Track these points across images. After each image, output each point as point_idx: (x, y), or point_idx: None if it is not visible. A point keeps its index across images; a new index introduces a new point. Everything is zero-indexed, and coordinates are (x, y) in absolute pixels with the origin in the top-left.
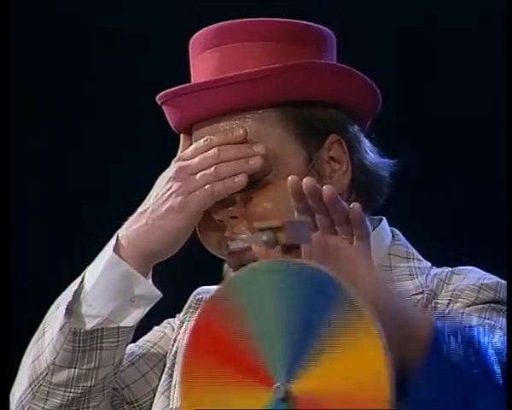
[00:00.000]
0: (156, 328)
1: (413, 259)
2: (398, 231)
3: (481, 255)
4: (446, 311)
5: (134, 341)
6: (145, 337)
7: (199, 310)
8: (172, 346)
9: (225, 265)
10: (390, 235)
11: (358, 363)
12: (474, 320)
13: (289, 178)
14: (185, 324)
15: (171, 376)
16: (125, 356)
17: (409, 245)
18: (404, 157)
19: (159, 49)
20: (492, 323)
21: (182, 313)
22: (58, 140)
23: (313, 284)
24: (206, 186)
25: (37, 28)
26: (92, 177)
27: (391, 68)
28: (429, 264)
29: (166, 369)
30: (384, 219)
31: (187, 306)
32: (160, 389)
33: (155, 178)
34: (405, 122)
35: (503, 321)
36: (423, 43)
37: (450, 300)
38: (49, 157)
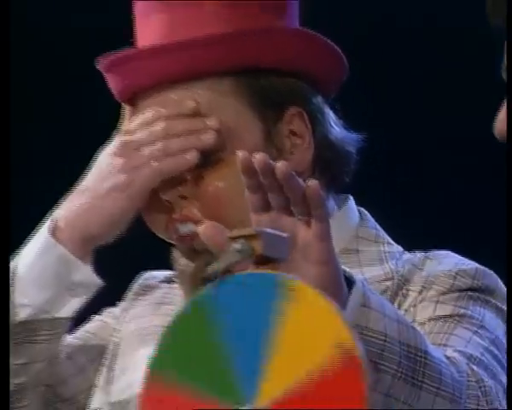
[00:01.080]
0: (96, 317)
1: (383, 243)
2: (366, 212)
3: (481, 255)
4: (419, 298)
5: (71, 332)
6: (84, 328)
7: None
8: (113, 336)
9: (174, 250)
10: (357, 216)
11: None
12: (449, 310)
13: (238, 153)
14: (128, 312)
15: (110, 369)
16: (64, 347)
17: (378, 227)
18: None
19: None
20: (469, 313)
21: (125, 301)
22: (58, 140)
23: (256, 288)
24: (153, 163)
25: (37, 28)
26: None
27: (390, 67)
28: (401, 248)
29: (106, 362)
30: (351, 197)
31: (131, 293)
32: (98, 383)
33: None
34: (404, 122)
35: (480, 311)
36: (423, 43)
37: (423, 286)
38: (49, 157)
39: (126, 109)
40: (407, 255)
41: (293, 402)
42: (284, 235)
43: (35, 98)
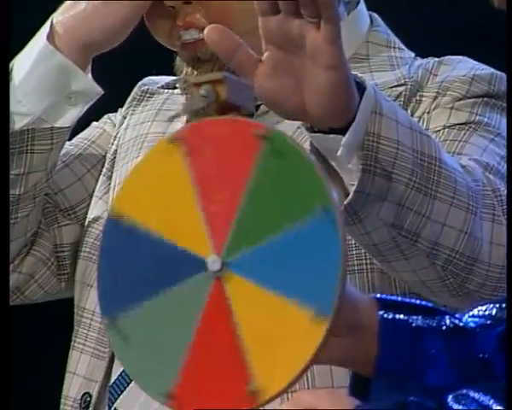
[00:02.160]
0: (95, 124)
1: (394, 47)
2: (377, 16)
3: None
4: (433, 105)
5: (69, 139)
6: (82, 135)
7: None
8: (112, 144)
9: (177, 58)
10: (368, 20)
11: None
12: (464, 117)
13: None
14: (127, 118)
15: (109, 178)
16: (61, 157)
17: (389, 32)
18: None
19: (159, 47)
20: (485, 120)
21: (124, 107)
22: None
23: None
24: None
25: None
26: None
27: None
28: (413, 54)
29: (104, 170)
30: (361, 1)
31: (130, 98)
32: (97, 193)
33: None
34: None
35: (496, 118)
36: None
37: (437, 92)
38: None
39: None
40: (419, 61)
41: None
42: (248, 83)
43: None
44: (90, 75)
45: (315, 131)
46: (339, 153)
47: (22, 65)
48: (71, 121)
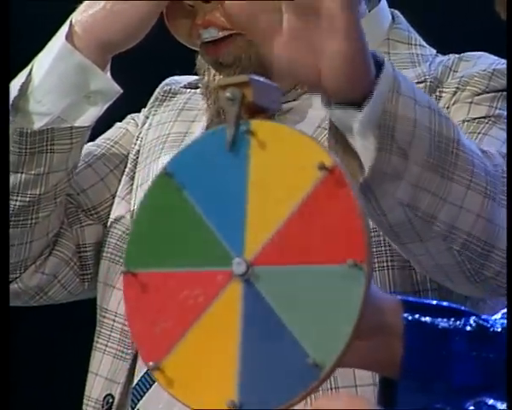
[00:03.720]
0: (118, 124)
1: (415, 45)
2: (399, 14)
3: None
4: (452, 100)
5: (92, 140)
6: (105, 135)
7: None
8: (135, 144)
9: (199, 58)
10: (389, 17)
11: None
12: (484, 111)
13: None
14: (150, 118)
15: (132, 178)
16: (84, 157)
17: (411, 29)
18: None
19: (159, 47)
20: (505, 113)
21: (147, 107)
22: None
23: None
24: None
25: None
26: None
27: None
28: (434, 51)
29: (127, 170)
30: (384, 1)
31: (153, 98)
32: (119, 193)
33: None
34: None
35: None
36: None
37: (457, 87)
38: None
39: None
40: (440, 58)
41: (282, 244)
42: (275, 84)
43: None
44: (109, 74)
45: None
46: (355, 130)
47: (41, 65)
48: (90, 121)
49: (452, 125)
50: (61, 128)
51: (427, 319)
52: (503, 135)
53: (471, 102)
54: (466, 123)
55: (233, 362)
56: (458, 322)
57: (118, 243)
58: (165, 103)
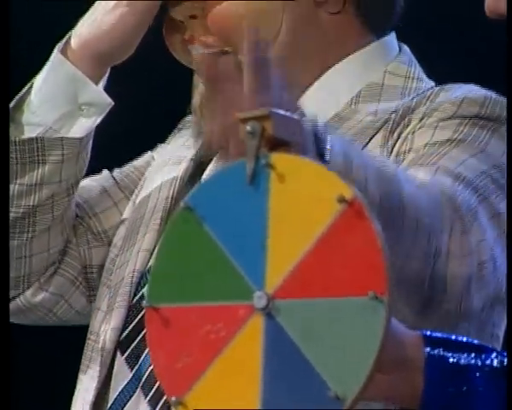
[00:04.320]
0: (149, 153)
1: (412, 78)
2: (406, 48)
3: None
4: (418, 126)
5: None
6: (133, 162)
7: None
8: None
9: (194, 77)
10: (395, 51)
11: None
12: (447, 135)
13: None
14: (166, 145)
15: (134, 203)
16: (102, 181)
17: (414, 63)
18: None
19: (158, 46)
20: (469, 138)
21: (170, 137)
22: None
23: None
24: None
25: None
26: None
27: None
28: (432, 84)
29: (134, 196)
30: (392, 33)
31: (176, 128)
32: (122, 217)
33: None
34: None
35: (484, 137)
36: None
37: (424, 113)
38: None
39: None
40: (432, 89)
41: (303, 277)
42: (296, 117)
43: None
44: (101, 86)
45: None
46: None
47: (38, 78)
48: (82, 132)
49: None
50: (52, 138)
51: (449, 354)
52: (462, 156)
53: (436, 127)
54: (428, 146)
55: (255, 396)
56: (479, 358)
57: (109, 265)
58: (181, 132)
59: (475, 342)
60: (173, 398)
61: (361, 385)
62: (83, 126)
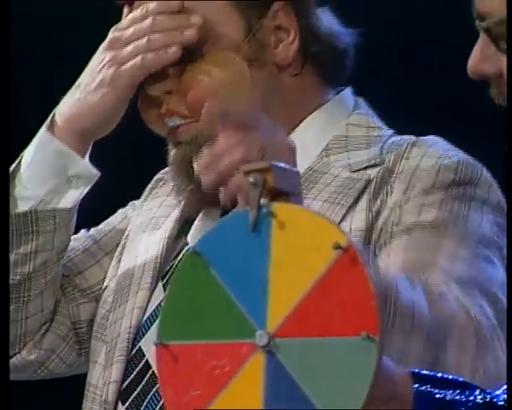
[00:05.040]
0: (121, 210)
1: (373, 127)
2: (361, 101)
3: None
4: (404, 199)
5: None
6: (107, 220)
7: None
8: (126, 230)
9: (168, 145)
10: (352, 104)
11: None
12: (433, 214)
13: None
14: (142, 205)
15: (119, 261)
16: (82, 240)
17: (371, 114)
18: None
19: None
20: (451, 218)
21: (143, 195)
22: None
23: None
24: (137, 57)
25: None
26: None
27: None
28: (391, 132)
29: (117, 253)
30: (347, 88)
31: (148, 187)
32: (108, 275)
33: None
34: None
35: (464, 210)
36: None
37: (407, 185)
38: None
39: (124, 9)
40: (393, 139)
41: (301, 317)
42: (295, 169)
43: (35, 98)
44: (87, 159)
45: None
46: None
47: (27, 154)
48: (72, 203)
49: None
50: (45, 210)
51: (435, 390)
52: (452, 247)
53: (422, 205)
54: (419, 228)
55: None
56: (463, 394)
57: (102, 321)
58: (154, 191)
59: (460, 379)
60: None
61: None
62: (72, 197)
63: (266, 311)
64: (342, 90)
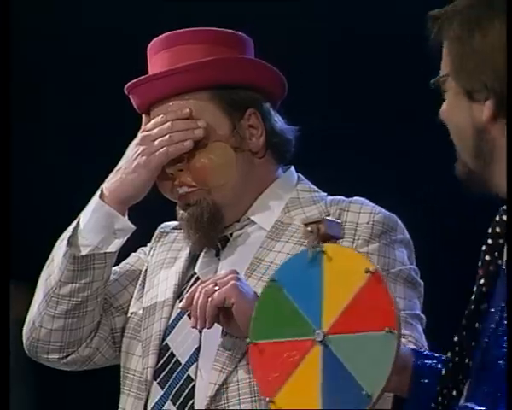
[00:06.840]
0: (133, 254)
1: (314, 191)
2: (300, 175)
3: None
4: (353, 245)
5: (118, 263)
6: (125, 260)
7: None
8: (144, 265)
9: (177, 206)
10: (296, 177)
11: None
12: (375, 260)
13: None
14: (153, 249)
15: (143, 287)
16: (111, 275)
17: (309, 183)
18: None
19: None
20: (387, 261)
21: (150, 243)
22: (60, 140)
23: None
24: (163, 149)
25: (38, 27)
26: (93, 180)
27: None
28: (325, 193)
29: (140, 281)
30: (292, 167)
31: (154, 237)
32: (135, 295)
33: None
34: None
35: (394, 253)
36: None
37: (354, 235)
38: (50, 159)
39: (144, 117)
40: (329, 198)
41: (345, 320)
42: (339, 221)
43: (35, 98)
44: (126, 217)
45: None
46: None
47: (84, 215)
48: (116, 248)
49: None
50: (99, 253)
51: (438, 364)
52: (404, 290)
53: (367, 253)
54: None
55: (316, 395)
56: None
57: (135, 327)
58: (161, 240)
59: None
60: (267, 398)
61: (382, 387)
62: (116, 244)
63: (321, 316)
64: (289, 168)
